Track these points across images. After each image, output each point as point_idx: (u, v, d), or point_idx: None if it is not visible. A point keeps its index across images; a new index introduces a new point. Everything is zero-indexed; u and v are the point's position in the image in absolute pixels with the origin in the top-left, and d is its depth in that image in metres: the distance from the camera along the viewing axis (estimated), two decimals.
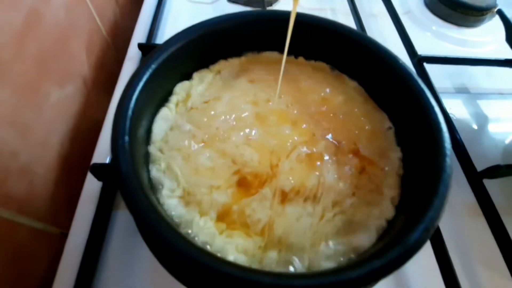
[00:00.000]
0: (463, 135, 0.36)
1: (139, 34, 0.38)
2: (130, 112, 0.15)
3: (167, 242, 0.12)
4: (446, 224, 0.28)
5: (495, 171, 0.28)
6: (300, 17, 0.21)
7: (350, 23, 0.44)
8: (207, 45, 0.21)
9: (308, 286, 0.11)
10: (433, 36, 0.46)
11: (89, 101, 0.36)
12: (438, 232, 0.26)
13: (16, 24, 0.24)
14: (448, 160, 0.15)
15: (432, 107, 0.17)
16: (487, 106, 0.41)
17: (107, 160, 0.28)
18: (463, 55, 0.42)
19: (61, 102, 0.31)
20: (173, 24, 0.41)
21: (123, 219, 0.26)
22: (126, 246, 0.25)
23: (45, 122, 0.29)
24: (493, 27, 0.46)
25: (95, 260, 0.23)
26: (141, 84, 0.17)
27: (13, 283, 0.25)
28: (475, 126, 0.39)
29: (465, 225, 0.29)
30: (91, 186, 0.26)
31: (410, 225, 0.13)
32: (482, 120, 0.40)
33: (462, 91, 0.42)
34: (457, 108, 0.40)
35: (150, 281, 0.23)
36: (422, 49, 0.39)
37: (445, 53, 0.43)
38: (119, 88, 0.33)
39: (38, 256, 0.28)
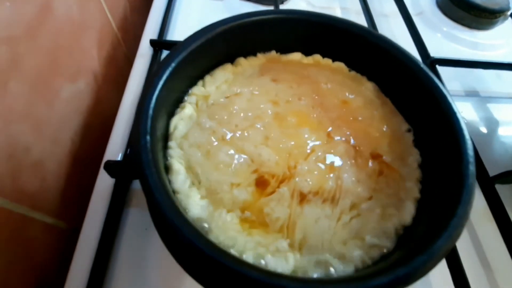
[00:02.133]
0: (474, 139, 0.36)
1: (150, 30, 0.38)
2: (151, 112, 0.15)
3: (193, 246, 0.12)
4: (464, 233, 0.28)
5: (508, 177, 0.28)
6: (319, 18, 0.21)
7: (362, 22, 0.44)
8: (226, 44, 0.21)
9: None
10: (444, 37, 0.46)
11: (99, 96, 0.36)
12: None
13: (29, 18, 0.24)
14: (471, 167, 0.15)
15: (454, 113, 0.17)
16: (497, 110, 0.40)
17: (119, 157, 0.28)
18: (475, 57, 0.42)
19: (72, 97, 0.31)
20: (184, 20, 0.41)
21: (133, 216, 0.26)
22: (137, 242, 0.25)
23: (57, 117, 0.29)
24: (506, 30, 0.46)
25: (108, 255, 0.23)
26: (161, 83, 0.16)
27: (25, 277, 0.25)
28: (485, 130, 0.39)
29: (476, 229, 0.29)
30: (104, 182, 0.26)
31: (433, 232, 0.13)
32: (493, 124, 0.40)
33: (472, 94, 0.42)
34: (467, 112, 0.40)
35: (159, 275, 0.23)
36: (433, 51, 0.39)
37: (456, 55, 0.42)
38: (131, 84, 0.33)
39: (49, 251, 0.28)
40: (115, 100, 0.39)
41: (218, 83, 0.21)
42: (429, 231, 0.13)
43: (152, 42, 0.34)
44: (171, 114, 0.20)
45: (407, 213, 0.17)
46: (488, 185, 0.29)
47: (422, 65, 0.19)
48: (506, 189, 0.31)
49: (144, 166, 0.13)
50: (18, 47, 0.23)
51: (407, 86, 0.20)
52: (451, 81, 0.41)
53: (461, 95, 0.42)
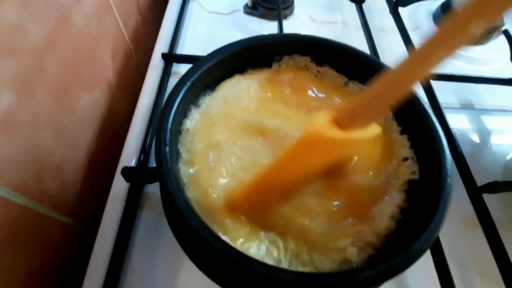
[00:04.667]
0: (465, 150, 0.38)
1: (161, 44, 0.40)
2: (169, 125, 0.18)
3: (209, 245, 0.14)
4: (446, 234, 0.30)
5: (494, 187, 0.30)
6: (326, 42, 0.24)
7: (361, 36, 0.46)
8: (235, 63, 0.23)
9: (322, 284, 0.13)
10: None
11: (112, 105, 0.39)
12: (437, 241, 0.27)
13: (51, 31, 0.26)
14: (449, 180, 0.17)
15: (436, 130, 0.19)
16: (490, 122, 0.42)
17: (133, 163, 0.30)
18: (469, 71, 0.44)
19: (89, 105, 0.33)
20: (193, 34, 0.43)
21: (146, 218, 0.28)
22: (149, 242, 0.27)
23: (75, 125, 0.31)
24: (499, 45, 0.48)
25: (123, 253, 0.25)
26: (178, 100, 0.19)
27: (45, 273, 0.27)
28: (477, 141, 0.41)
29: (464, 236, 0.31)
30: (119, 186, 0.28)
31: (413, 235, 0.15)
32: (485, 135, 0.41)
33: (466, 107, 0.44)
34: (461, 123, 0.42)
35: (168, 271, 0.25)
36: None
37: (451, 69, 0.45)
38: (144, 95, 0.35)
39: (65, 248, 0.30)
40: (126, 108, 0.42)
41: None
42: (411, 235, 0.16)
43: (164, 56, 0.37)
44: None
45: (392, 219, 0.19)
46: (476, 194, 0.30)
47: None
48: (494, 198, 0.33)
49: (164, 174, 0.15)
50: (43, 59, 0.26)
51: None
52: (447, 94, 0.43)
53: (457, 108, 0.44)
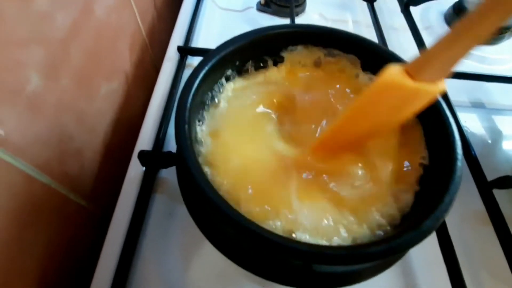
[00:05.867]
0: (476, 147, 0.38)
1: (177, 37, 0.41)
2: (189, 105, 0.18)
3: (229, 219, 0.15)
4: (456, 230, 0.30)
5: (505, 182, 0.30)
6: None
7: (372, 34, 0.46)
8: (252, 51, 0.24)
9: (341, 255, 0.14)
10: None
11: (129, 95, 0.40)
12: (447, 238, 0.27)
13: (75, 20, 0.28)
14: (459, 163, 0.17)
15: (447, 118, 0.19)
16: (502, 122, 0.42)
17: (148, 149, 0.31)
18: (481, 71, 0.44)
19: (108, 94, 0.35)
20: (207, 30, 0.44)
21: (159, 202, 0.29)
22: (162, 225, 0.28)
23: (95, 112, 0.33)
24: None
25: (137, 235, 0.26)
26: (198, 80, 0.20)
27: (64, 251, 0.28)
28: (489, 140, 0.41)
29: (474, 233, 0.31)
30: (134, 171, 0.30)
31: (423, 216, 0.16)
32: (496, 134, 0.41)
33: (478, 105, 0.44)
34: (472, 122, 0.42)
35: (182, 257, 0.26)
36: None
37: (463, 68, 0.45)
38: (159, 86, 0.36)
39: (83, 230, 0.31)
40: (141, 99, 0.43)
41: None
42: (422, 215, 0.16)
43: (179, 49, 0.38)
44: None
45: (407, 202, 0.19)
46: (486, 189, 0.31)
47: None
48: (504, 194, 0.33)
49: (184, 149, 0.16)
50: (68, 46, 0.27)
51: None
52: (459, 93, 0.44)
53: (468, 106, 0.44)
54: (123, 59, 0.38)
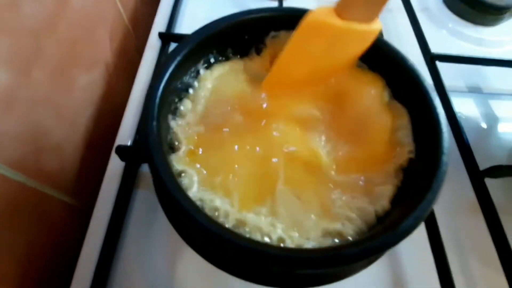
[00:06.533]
0: (471, 134, 0.37)
1: (159, 23, 0.39)
2: (158, 100, 0.17)
3: (195, 222, 0.14)
4: (446, 218, 0.30)
5: (496, 171, 0.29)
6: None
7: None
8: (229, 39, 0.22)
9: (313, 259, 0.13)
10: (449, 33, 0.46)
11: (111, 85, 0.38)
12: (435, 224, 0.27)
13: (49, 11, 0.26)
14: (444, 158, 0.16)
15: (435, 109, 0.18)
16: (498, 107, 0.41)
17: (129, 143, 0.30)
18: (479, 54, 0.42)
19: (87, 86, 0.33)
20: (192, 14, 0.42)
21: (142, 198, 0.28)
22: (144, 221, 0.27)
23: (74, 104, 0.31)
24: (511, 27, 0.46)
25: (118, 231, 0.26)
26: (167, 74, 0.18)
27: (46, 249, 0.28)
28: (484, 126, 0.40)
29: (464, 220, 0.30)
30: (115, 165, 0.29)
31: (405, 213, 0.15)
32: (492, 120, 0.40)
33: (475, 90, 0.43)
34: (468, 107, 0.41)
35: (163, 249, 0.26)
36: (437, 47, 0.39)
37: (460, 51, 0.43)
38: (140, 75, 0.35)
39: (65, 226, 0.31)
40: (126, 89, 0.42)
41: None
42: (403, 212, 0.15)
43: (161, 35, 0.36)
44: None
45: (385, 198, 0.18)
46: (478, 178, 0.30)
47: (409, 62, 0.21)
48: (497, 183, 0.32)
49: (151, 148, 0.15)
50: (40, 38, 0.25)
51: (400, 82, 0.21)
52: (455, 77, 0.42)
53: (464, 91, 0.42)
54: (103, 48, 0.37)
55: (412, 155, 0.19)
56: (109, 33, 0.38)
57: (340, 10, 0.18)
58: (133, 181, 0.28)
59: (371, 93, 0.21)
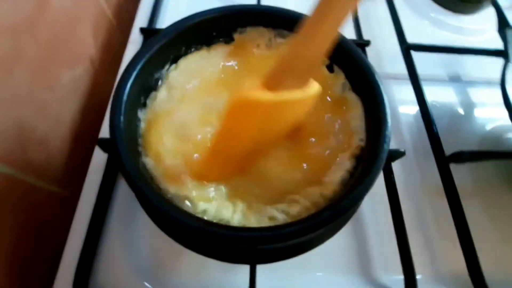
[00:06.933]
0: (444, 122, 0.38)
1: (142, 18, 0.40)
2: (125, 97, 0.19)
3: (160, 210, 0.16)
4: (412, 201, 0.32)
5: (459, 157, 0.30)
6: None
7: None
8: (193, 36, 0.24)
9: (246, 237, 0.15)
10: (428, 21, 0.47)
11: (97, 80, 0.40)
12: (397, 204, 0.28)
13: (28, 10, 0.27)
14: (385, 146, 0.18)
15: (382, 100, 0.20)
16: (475, 95, 0.42)
17: None
18: (458, 43, 0.43)
19: (71, 82, 0.35)
20: (175, 8, 0.43)
21: (125, 187, 0.30)
22: (128, 209, 0.29)
23: (59, 100, 0.33)
24: (490, 15, 0.46)
25: (102, 219, 0.27)
26: (135, 72, 0.20)
27: (34, 238, 0.30)
28: (460, 113, 0.41)
29: (431, 203, 0.32)
30: (99, 157, 0.30)
31: (346, 195, 0.17)
32: (468, 108, 0.41)
33: (453, 79, 0.44)
34: (444, 96, 0.42)
35: (147, 237, 0.28)
36: (416, 36, 0.40)
37: (439, 40, 0.44)
38: (122, 70, 0.36)
39: (54, 216, 0.33)
40: (111, 83, 0.43)
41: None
42: (345, 194, 0.17)
43: (143, 30, 0.37)
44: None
45: (340, 183, 0.20)
46: (443, 164, 0.31)
47: (361, 55, 0.22)
48: (466, 169, 0.34)
49: (116, 142, 0.17)
50: (19, 38, 0.27)
51: (356, 74, 0.23)
52: (434, 67, 0.43)
53: (443, 80, 0.43)
54: (86, 45, 0.38)
55: (362, 143, 0.21)
56: (92, 29, 0.39)
57: (267, 82, 0.17)
58: (116, 172, 0.30)
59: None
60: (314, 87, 0.19)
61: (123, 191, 0.30)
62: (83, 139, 0.37)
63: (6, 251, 0.26)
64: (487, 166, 0.35)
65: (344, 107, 0.22)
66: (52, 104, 0.32)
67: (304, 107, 0.20)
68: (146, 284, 0.26)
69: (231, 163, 0.21)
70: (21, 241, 0.28)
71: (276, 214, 0.19)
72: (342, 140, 0.22)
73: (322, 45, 0.16)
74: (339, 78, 0.23)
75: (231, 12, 0.24)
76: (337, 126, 0.22)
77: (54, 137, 0.32)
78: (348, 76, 0.23)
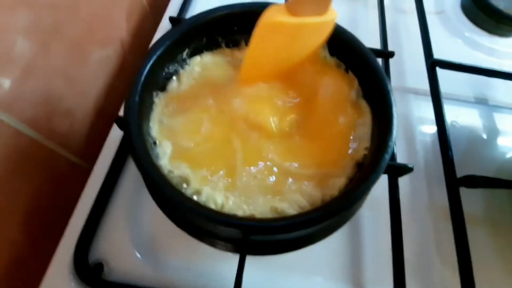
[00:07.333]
0: (463, 143, 0.37)
1: (173, 8, 0.42)
2: (143, 78, 0.20)
3: (156, 185, 0.17)
4: (418, 221, 0.31)
5: (471, 180, 0.29)
6: None
7: (374, 15, 0.44)
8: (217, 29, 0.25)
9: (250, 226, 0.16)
10: (461, 40, 0.45)
11: (124, 62, 0.42)
12: (399, 227, 0.28)
13: None
14: (386, 156, 0.18)
15: (391, 110, 0.20)
16: (500, 120, 0.40)
17: None
18: (489, 64, 0.41)
19: (101, 60, 0.37)
20: (204, 1, 0.44)
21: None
22: (136, 185, 0.31)
23: (87, 76, 0.35)
24: None
25: (109, 194, 0.29)
26: (155, 55, 0.21)
27: (50, 202, 0.32)
28: (482, 137, 0.39)
29: (434, 227, 0.31)
30: (116, 134, 0.32)
31: (340, 201, 0.17)
32: (491, 132, 0.40)
33: (481, 101, 0.42)
34: (467, 117, 0.40)
35: (149, 215, 0.29)
36: (446, 53, 0.39)
37: (470, 59, 0.42)
38: None
39: (73, 184, 0.35)
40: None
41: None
42: (339, 200, 0.17)
43: (171, 19, 0.39)
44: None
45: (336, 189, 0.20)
46: (453, 186, 0.30)
47: (376, 63, 0.22)
48: (476, 195, 0.33)
49: (128, 120, 0.18)
50: (60, 13, 0.29)
51: (369, 81, 0.23)
52: (462, 86, 0.42)
53: (471, 102, 0.42)
54: (119, 27, 0.40)
55: (366, 151, 0.21)
56: (126, 13, 0.41)
57: (291, 7, 0.19)
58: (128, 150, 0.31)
59: (340, 93, 0.22)
60: (332, 14, 0.21)
61: (133, 169, 0.31)
62: (105, 115, 0.39)
63: (23, 208, 0.29)
64: (501, 196, 0.34)
65: (355, 114, 0.22)
66: (81, 79, 0.34)
67: (324, 31, 0.22)
68: (139, 257, 0.27)
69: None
70: (39, 199, 0.30)
71: (278, 205, 0.20)
72: (352, 145, 0.22)
73: None
74: (353, 84, 0.23)
75: (255, 9, 0.25)
76: (349, 130, 0.22)
77: (79, 111, 0.35)
78: (361, 83, 0.23)
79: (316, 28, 0.21)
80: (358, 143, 0.22)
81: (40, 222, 0.31)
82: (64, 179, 0.34)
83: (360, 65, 0.23)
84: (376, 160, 0.18)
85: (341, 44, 0.23)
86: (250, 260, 0.27)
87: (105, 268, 0.27)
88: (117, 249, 0.28)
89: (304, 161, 0.21)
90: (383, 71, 0.21)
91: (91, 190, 0.30)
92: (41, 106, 0.29)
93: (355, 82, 0.23)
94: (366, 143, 0.21)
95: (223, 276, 0.26)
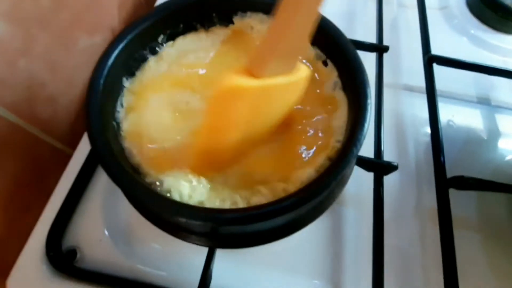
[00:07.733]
0: (459, 144, 0.35)
1: None
2: (110, 61, 0.20)
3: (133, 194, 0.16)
4: (404, 222, 0.30)
5: (461, 182, 0.28)
6: None
7: (371, 9, 0.43)
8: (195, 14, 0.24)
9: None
10: (465, 37, 0.43)
11: None
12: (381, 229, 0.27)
13: None
14: (354, 150, 0.17)
15: (364, 102, 0.18)
16: (501, 121, 0.38)
17: None
18: (492, 61, 0.39)
19: (89, 48, 0.37)
20: None
21: None
22: None
23: (73, 64, 0.35)
24: None
25: (87, 181, 0.29)
26: (125, 41, 0.21)
27: (31, 187, 0.32)
28: (481, 137, 0.38)
29: (420, 229, 0.30)
30: None
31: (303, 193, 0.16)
32: (490, 133, 0.38)
33: (481, 101, 0.40)
34: (465, 117, 0.38)
35: (125, 206, 0.29)
36: (448, 49, 0.37)
37: (474, 57, 0.40)
38: None
39: (57, 171, 0.35)
40: None
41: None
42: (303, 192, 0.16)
43: None
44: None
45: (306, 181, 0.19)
46: (442, 187, 0.29)
47: (354, 52, 0.21)
48: (469, 198, 0.31)
49: (89, 106, 0.18)
50: (46, 1, 0.29)
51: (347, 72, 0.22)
52: (464, 84, 0.40)
53: (471, 101, 0.40)
54: (110, 15, 0.40)
55: (339, 145, 0.20)
56: (118, 2, 0.40)
57: (252, 69, 0.16)
58: None
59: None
60: (303, 71, 0.18)
61: None
62: None
63: (4, 189, 0.29)
64: (496, 199, 0.32)
65: (329, 106, 0.21)
66: (66, 66, 0.34)
67: (293, 92, 0.19)
68: (113, 245, 0.27)
69: (221, 157, 0.20)
70: (19, 184, 0.30)
71: (238, 200, 0.19)
72: (321, 139, 0.21)
73: (304, 24, 0.15)
74: (332, 76, 0.22)
75: None
76: (319, 124, 0.21)
77: (63, 98, 0.34)
78: (340, 74, 0.22)
79: (285, 88, 0.18)
80: (331, 136, 0.21)
81: (19, 206, 0.31)
82: (47, 165, 0.34)
83: (339, 56, 0.22)
84: (344, 153, 0.17)
85: (321, 33, 0.22)
86: (225, 255, 0.27)
87: (78, 255, 0.27)
88: (91, 236, 0.27)
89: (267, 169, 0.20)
90: (360, 61, 0.20)
91: (70, 176, 0.29)
92: (22, 92, 0.29)
93: (334, 74, 0.22)
94: (339, 136, 0.20)
95: (194, 269, 0.26)
